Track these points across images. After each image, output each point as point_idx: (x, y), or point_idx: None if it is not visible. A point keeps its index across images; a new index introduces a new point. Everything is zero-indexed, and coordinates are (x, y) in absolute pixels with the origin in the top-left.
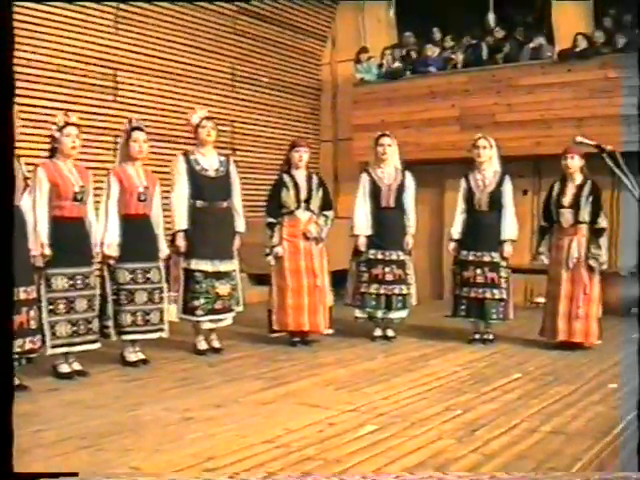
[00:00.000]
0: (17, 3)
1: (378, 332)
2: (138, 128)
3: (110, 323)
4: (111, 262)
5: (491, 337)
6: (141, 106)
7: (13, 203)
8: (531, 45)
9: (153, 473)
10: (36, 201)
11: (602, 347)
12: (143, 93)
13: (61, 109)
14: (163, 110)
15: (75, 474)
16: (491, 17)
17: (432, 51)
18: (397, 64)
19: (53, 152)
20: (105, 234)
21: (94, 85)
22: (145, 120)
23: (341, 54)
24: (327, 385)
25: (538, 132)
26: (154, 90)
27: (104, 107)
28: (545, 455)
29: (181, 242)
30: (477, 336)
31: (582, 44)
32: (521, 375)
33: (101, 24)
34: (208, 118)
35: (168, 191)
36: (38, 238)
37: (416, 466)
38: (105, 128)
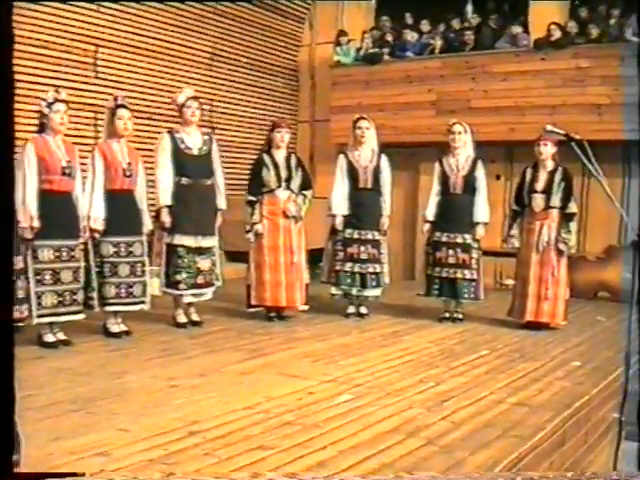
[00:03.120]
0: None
1: (352, 309)
2: (123, 106)
3: (94, 294)
4: (96, 235)
5: (461, 316)
6: (121, 82)
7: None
8: (507, 33)
9: (140, 435)
10: (25, 175)
11: (567, 327)
12: (123, 70)
13: (42, 84)
14: (143, 87)
15: (82, 474)
16: (469, 8)
17: (411, 36)
18: (375, 48)
19: (42, 127)
20: (91, 208)
21: (75, 61)
22: (125, 97)
23: (320, 36)
24: (304, 357)
25: (512, 119)
26: (134, 67)
27: (85, 83)
28: (510, 424)
29: (166, 218)
30: (447, 315)
31: (556, 34)
32: (489, 352)
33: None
34: (194, 98)
35: (150, 168)
36: (27, 211)
37: (389, 432)
38: (85, 104)
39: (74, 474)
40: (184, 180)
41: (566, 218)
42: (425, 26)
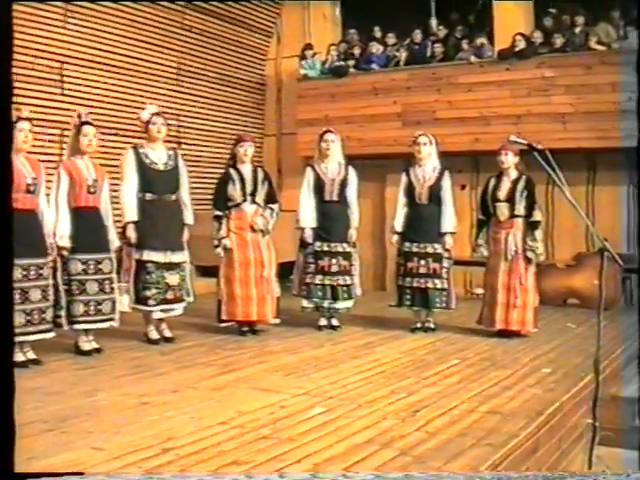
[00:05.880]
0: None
1: (323, 321)
2: (88, 122)
3: (62, 313)
4: (64, 253)
5: (432, 326)
6: (88, 99)
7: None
8: (471, 44)
9: (115, 453)
10: None
11: (538, 335)
12: (90, 86)
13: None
14: (109, 103)
15: (80, 473)
16: (433, 22)
17: (376, 49)
18: (341, 61)
19: None
20: (57, 226)
21: (41, 78)
22: (91, 113)
23: (286, 50)
24: (276, 371)
25: (477, 129)
26: (100, 83)
27: (51, 100)
28: (483, 432)
29: (132, 233)
30: (419, 325)
31: (521, 44)
32: (460, 361)
33: (49, 17)
34: (158, 114)
35: (116, 184)
36: None
37: (363, 444)
38: (52, 121)
39: (73, 473)
40: (149, 195)
41: (531, 226)
42: (391, 39)
